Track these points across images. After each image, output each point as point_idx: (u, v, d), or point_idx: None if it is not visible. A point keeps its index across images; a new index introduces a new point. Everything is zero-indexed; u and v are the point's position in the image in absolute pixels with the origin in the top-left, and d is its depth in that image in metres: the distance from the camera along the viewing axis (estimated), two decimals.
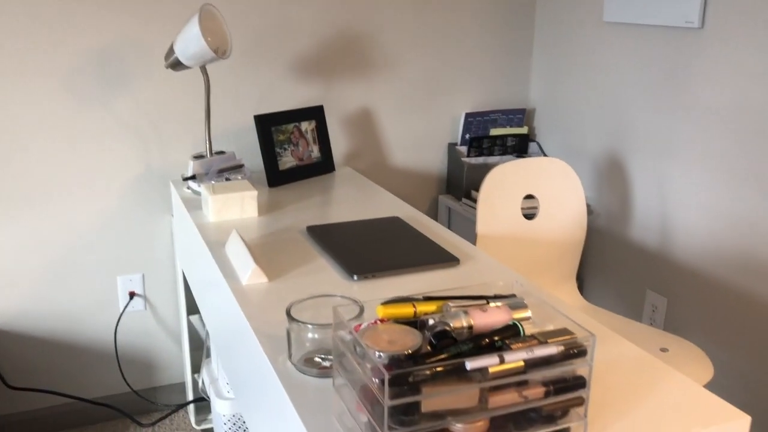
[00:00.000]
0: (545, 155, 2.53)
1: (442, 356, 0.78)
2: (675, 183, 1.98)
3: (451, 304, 0.90)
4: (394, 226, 1.62)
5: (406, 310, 0.88)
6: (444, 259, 1.42)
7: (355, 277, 1.34)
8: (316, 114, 2.11)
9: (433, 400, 0.76)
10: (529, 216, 1.85)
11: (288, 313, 1.00)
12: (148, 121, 2.09)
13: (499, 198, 1.75)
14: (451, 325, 0.85)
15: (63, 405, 2.20)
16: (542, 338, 0.82)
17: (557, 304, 1.24)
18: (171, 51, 1.83)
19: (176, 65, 1.84)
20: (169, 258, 2.21)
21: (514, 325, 0.83)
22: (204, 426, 2.23)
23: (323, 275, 1.37)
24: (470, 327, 0.86)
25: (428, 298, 0.91)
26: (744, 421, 0.92)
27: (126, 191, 2.12)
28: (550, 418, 0.82)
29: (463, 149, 2.46)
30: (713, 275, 1.88)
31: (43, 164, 2.01)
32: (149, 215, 2.16)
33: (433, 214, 2.54)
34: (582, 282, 2.43)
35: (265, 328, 1.16)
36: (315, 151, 2.11)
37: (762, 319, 1.75)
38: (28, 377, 2.14)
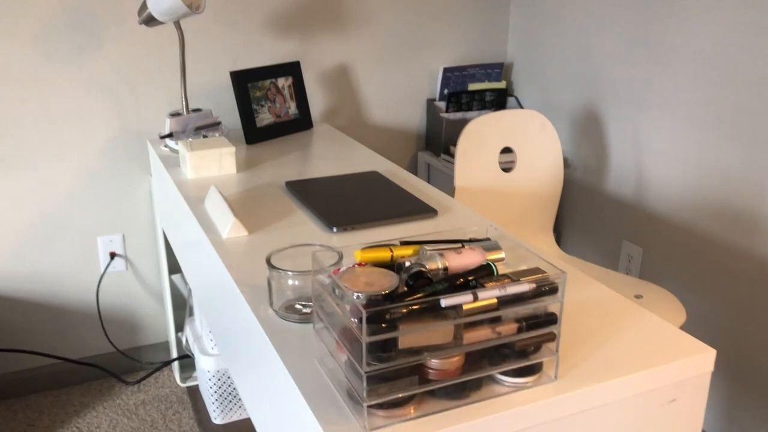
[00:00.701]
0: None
1: (418, 295, 0.81)
2: (650, 134, 2.00)
3: (427, 247, 0.92)
4: (372, 180, 1.63)
5: (384, 253, 0.90)
6: (422, 210, 1.44)
7: (335, 229, 1.35)
8: (292, 70, 2.10)
9: (409, 336, 0.78)
10: (506, 169, 1.87)
11: (268, 262, 1.02)
12: (122, 80, 2.07)
13: (477, 151, 1.77)
14: (427, 266, 0.87)
15: (48, 365, 2.21)
16: (515, 277, 0.85)
17: (531, 247, 1.27)
18: (144, 6, 1.81)
19: (150, 21, 1.82)
20: (149, 218, 2.22)
21: (488, 265, 0.86)
22: (189, 383, 2.26)
23: (303, 228, 1.38)
24: (445, 268, 0.88)
25: (405, 243, 0.93)
26: (709, 354, 0.95)
27: (103, 151, 2.10)
28: (523, 354, 0.85)
29: (442, 105, 2.47)
30: (687, 224, 1.92)
31: (16, 126, 1.99)
32: (127, 175, 2.15)
33: (413, 170, 2.55)
34: (559, 234, 2.47)
35: (247, 279, 1.18)
36: (292, 108, 2.11)
37: (733, 265, 1.80)
38: (12, 338, 2.15)
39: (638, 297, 1.73)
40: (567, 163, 2.37)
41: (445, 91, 2.49)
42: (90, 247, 2.17)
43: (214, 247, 1.30)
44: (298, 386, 0.88)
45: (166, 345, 2.35)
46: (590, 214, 2.30)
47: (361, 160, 1.84)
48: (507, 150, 1.86)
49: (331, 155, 1.88)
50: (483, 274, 0.85)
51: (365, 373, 0.77)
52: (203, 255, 1.42)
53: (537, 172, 1.89)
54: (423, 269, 0.85)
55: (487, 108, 2.53)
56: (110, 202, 2.15)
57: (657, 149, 1.98)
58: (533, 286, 0.83)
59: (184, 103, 1.94)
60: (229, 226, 1.33)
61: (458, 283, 0.84)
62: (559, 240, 2.47)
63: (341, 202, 1.48)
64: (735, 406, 1.84)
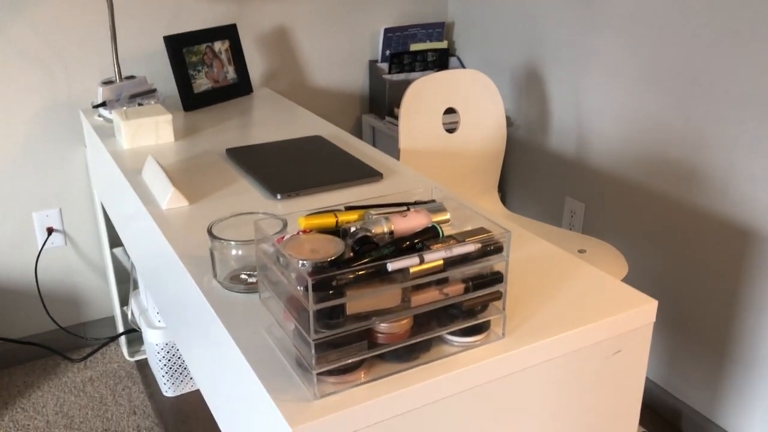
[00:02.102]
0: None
1: (365, 260, 0.80)
2: (590, 92, 2.02)
3: (372, 212, 0.91)
4: (316, 144, 1.61)
5: (328, 219, 0.88)
6: (367, 174, 1.42)
7: (279, 196, 1.33)
8: (229, 33, 2.04)
9: (357, 302, 0.78)
10: (450, 130, 1.86)
11: (209, 232, 1.00)
12: (49, 47, 1.97)
13: (420, 112, 1.76)
14: (373, 231, 0.86)
15: None
16: (460, 238, 0.85)
17: (475, 207, 1.27)
18: None
19: None
20: (86, 191, 2.14)
21: (433, 227, 0.85)
22: (138, 357, 2.22)
23: (245, 196, 1.35)
24: (391, 232, 0.87)
25: (350, 208, 0.92)
26: (651, 305, 0.98)
27: (33, 123, 2.01)
28: (471, 313, 0.86)
29: (384, 66, 2.44)
30: (628, 179, 1.96)
31: None
32: (61, 147, 2.07)
33: (357, 134, 2.53)
34: (504, 194, 2.49)
35: (189, 250, 1.15)
36: (231, 72, 2.05)
37: (672, 217, 1.85)
38: None
39: (582, 252, 1.76)
40: (509, 122, 2.38)
41: (387, 52, 2.45)
42: (25, 222, 2.09)
43: (153, 219, 1.26)
44: (246, 357, 0.87)
45: (111, 320, 2.30)
46: (533, 172, 2.32)
47: (304, 124, 1.81)
48: (450, 111, 1.85)
49: (273, 120, 1.84)
50: (429, 237, 0.85)
51: (313, 341, 0.76)
52: (143, 227, 1.38)
53: (480, 132, 1.89)
54: (369, 234, 0.84)
55: (430, 68, 2.51)
56: (44, 175, 2.07)
57: (596, 107, 2.01)
58: (478, 246, 0.83)
59: (116, 70, 1.86)
60: (168, 196, 1.29)
61: (404, 246, 0.83)
62: (503, 199, 2.50)
63: (284, 168, 1.45)
64: (676, 354, 1.92)
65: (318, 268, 0.80)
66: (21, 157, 2.02)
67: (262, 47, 2.26)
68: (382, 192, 1.37)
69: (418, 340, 0.83)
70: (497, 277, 0.85)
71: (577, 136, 2.11)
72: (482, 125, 1.89)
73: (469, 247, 0.82)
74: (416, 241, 0.84)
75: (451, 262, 0.82)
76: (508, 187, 2.47)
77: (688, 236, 1.82)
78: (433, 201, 0.96)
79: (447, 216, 0.91)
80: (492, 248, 0.84)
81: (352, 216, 0.90)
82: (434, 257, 0.80)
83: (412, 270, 0.79)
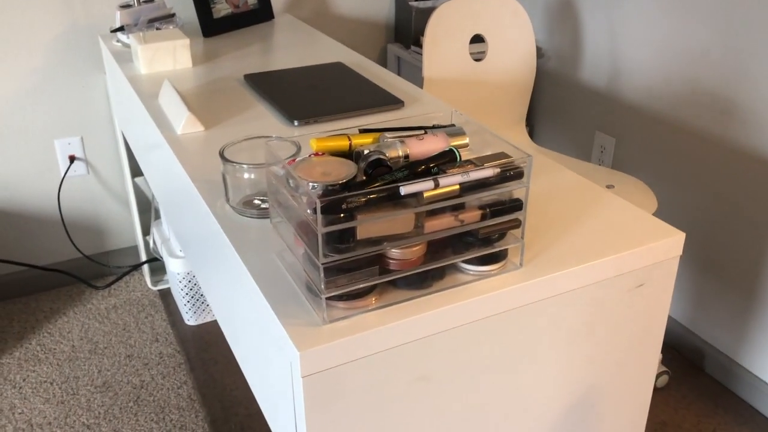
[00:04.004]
0: None
1: (377, 184, 0.76)
2: (624, 21, 1.93)
3: (387, 135, 0.87)
4: (336, 71, 1.56)
5: (341, 142, 0.85)
6: (387, 101, 1.38)
7: (296, 122, 1.29)
8: None
9: (368, 226, 0.75)
10: (478, 59, 1.79)
11: (221, 155, 0.97)
12: None
13: (446, 39, 1.69)
14: (387, 154, 0.82)
15: (15, 273, 2.18)
16: (479, 162, 0.81)
17: (496, 132, 1.23)
18: None
19: None
20: (108, 119, 2.13)
21: (451, 150, 0.81)
22: (160, 286, 2.25)
23: (262, 122, 1.32)
24: (407, 156, 0.83)
25: (365, 131, 0.88)
26: (678, 237, 0.94)
27: (53, 49, 1.98)
28: (487, 241, 0.83)
29: None
30: (660, 113, 1.88)
31: None
32: (81, 74, 2.04)
33: (382, 63, 2.46)
34: (532, 127, 2.42)
35: (203, 174, 1.12)
36: None
37: (705, 152, 1.78)
38: None
39: (610, 186, 1.71)
40: (541, 53, 2.29)
41: None
42: (48, 150, 2.09)
43: (168, 144, 1.24)
44: (257, 282, 0.85)
45: (135, 249, 2.31)
46: (563, 106, 2.25)
47: (325, 51, 1.75)
48: (478, 38, 1.78)
49: (294, 47, 1.79)
50: (445, 161, 0.81)
51: (322, 264, 0.73)
52: (160, 154, 1.36)
53: (509, 61, 1.82)
54: (382, 157, 0.81)
55: None
56: (65, 102, 2.05)
57: (630, 36, 1.91)
58: (497, 171, 0.79)
59: None
60: (183, 120, 1.26)
61: (420, 170, 0.80)
62: (532, 133, 2.43)
63: (303, 95, 1.41)
64: (702, 294, 1.87)
65: (328, 191, 0.77)
66: (41, 84, 2.00)
67: None
68: (402, 119, 1.33)
69: (432, 267, 0.80)
70: (516, 204, 0.81)
71: (609, 68, 2.02)
72: (511, 54, 1.82)
73: (488, 172, 0.78)
74: (432, 165, 0.80)
75: (467, 188, 0.78)
76: (537, 121, 2.40)
77: (720, 174, 1.75)
78: (452, 125, 0.92)
79: (466, 140, 0.87)
80: (512, 173, 0.80)
81: (367, 139, 0.86)
82: (450, 182, 0.76)
83: (425, 194, 0.76)
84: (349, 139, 0.85)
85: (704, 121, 1.75)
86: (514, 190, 0.82)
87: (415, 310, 0.79)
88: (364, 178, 0.80)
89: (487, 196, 0.81)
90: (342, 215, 0.73)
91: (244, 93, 1.48)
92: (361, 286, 0.77)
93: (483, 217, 0.80)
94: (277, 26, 2.00)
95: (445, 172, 0.78)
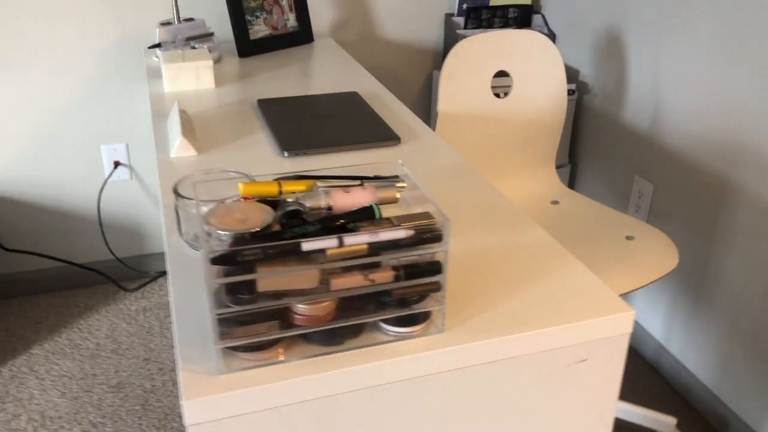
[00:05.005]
0: (550, 29, 2.37)
1: (280, 236, 0.75)
2: (671, 63, 1.83)
3: (320, 183, 0.86)
4: (347, 101, 1.56)
5: (270, 188, 0.84)
6: (384, 137, 1.36)
7: (286, 153, 1.30)
8: None
9: (269, 280, 0.74)
10: (500, 95, 1.75)
11: (174, 189, 0.98)
12: None
13: (466, 73, 1.66)
14: (309, 205, 0.81)
15: (56, 268, 2.29)
16: (397, 221, 0.78)
17: (426, 190, 1.19)
18: None
19: None
20: (151, 128, 2.21)
21: (370, 207, 0.79)
22: None
23: (255, 150, 1.33)
24: (329, 208, 0.82)
25: (300, 177, 0.88)
26: (627, 315, 0.87)
27: (104, 60, 2.08)
28: (404, 303, 0.80)
29: (460, 20, 2.32)
30: (700, 163, 1.77)
31: (20, 34, 1.98)
32: (129, 84, 2.13)
33: (426, 91, 2.44)
34: (575, 166, 2.34)
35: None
36: (291, 20, 2.02)
37: (745, 210, 1.66)
38: (22, 240, 2.23)
39: (629, 238, 1.62)
40: (587, 89, 2.21)
41: (465, 6, 2.33)
42: (95, 155, 2.19)
43: (159, 165, 1.27)
44: (176, 319, 0.85)
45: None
46: (605, 146, 2.16)
47: (350, 79, 1.75)
48: (502, 74, 1.74)
49: (322, 73, 1.80)
50: (362, 217, 0.79)
51: (215, 315, 0.73)
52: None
53: (536, 99, 1.76)
54: (300, 208, 0.80)
55: (510, 26, 2.37)
56: (113, 110, 2.15)
57: (676, 79, 1.81)
58: (411, 232, 0.76)
59: (175, 11, 1.88)
60: (176, 144, 1.29)
61: (335, 225, 0.78)
62: (574, 171, 2.35)
63: (304, 125, 1.41)
64: (730, 357, 1.74)
65: (238, 240, 0.76)
66: (93, 92, 2.11)
67: None
68: (394, 157, 1.31)
69: (339, 325, 0.78)
70: (434, 268, 0.78)
71: (652, 111, 1.92)
72: (539, 93, 1.76)
73: (399, 233, 0.76)
74: (347, 221, 0.78)
75: (378, 247, 0.76)
76: (580, 159, 2.31)
77: (760, 235, 1.63)
78: (396, 177, 0.89)
79: (397, 195, 0.84)
80: (429, 236, 0.77)
81: (300, 186, 0.86)
82: (356, 240, 0.74)
83: (329, 252, 0.74)
84: (280, 186, 0.84)
85: (748, 178, 1.64)
86: (436, 252, 0.79)
87: (323, 367, 0.78)
88: (278, 228, 0.79)
89: (404, 256, 0.78)
90: (237, 267, 0.72)
91: (252, 118, 1.50)
92: (260, 339, 0.76)
93: (396, 279, 0.78)
94: (314, 50, 2.02)
95: (357, 230, 0.76)
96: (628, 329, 0.88)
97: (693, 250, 1.84)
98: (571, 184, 2.37)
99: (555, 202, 1.80)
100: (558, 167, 2.26)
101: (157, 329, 2.15)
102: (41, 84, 2.06)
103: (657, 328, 2.00)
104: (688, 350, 1.89)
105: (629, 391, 1.94)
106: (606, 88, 2.12)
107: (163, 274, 2.39)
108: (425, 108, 2.46)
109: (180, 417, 1.82)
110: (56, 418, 1.82)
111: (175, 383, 1.93)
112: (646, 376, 2.00)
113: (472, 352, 0.82)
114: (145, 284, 2.35)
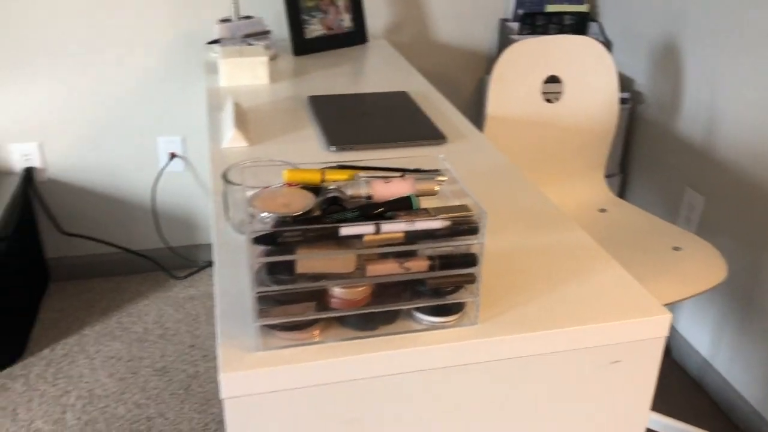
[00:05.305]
0: (606, 37, 2.35)
1: (320, 221, 0.78)
2: (727, 74, 1.79)
3: (362, 174, 0.88)
4: (396, 100, 1.58)
5: (313, 176, 0.87)
6: (430, 136, 1.38)
7: (333, 148, 1.33)
8: None
9: (307, 262, 0.76)
10: (550, 100, 1.75)
11: (223, 176, 1.02)
12: None
13: (517, 77, 1.66)
14: (349, 193, 0.84)
15: (109, 254, 2.38)
16: (434, 213, 0.80)
17: (466, 185, 1.19)
18: None
19: None
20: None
21: (408, 197, 0.81)
22: None
23: (303, 144, 1.37)
24: (369, 197, 0.84)
25: (343, 167, 0.90)
26: (664, 318, 0.87)
27: (165, 53, 2.16)
28: (438, 293, 0.81)
29: (515, 26, 2.33)
30: (755, 176, 1.73)
31: (86, 24, 2.07)
32: (187, 79, 2.20)
33: (477, 95, 2.45)
34: (626, 176, 2.31)
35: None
36: (346, 20, 2.05)
37: None
38: (80, 225, 2.32)
39: (676, 249, 1.60)
40: (641, 99, 2.19)
41: (520, 11, 2.33)
42: (152, 145, 2.27)
43: (211, 156, 1.32)
44: (220, 297, 0.89)
45: None
46: (657, 156, 2.13)
47: (401, 80, 1.78)
48: (553, 79, 1.73)
49: (374, 73, 1.83)
50: (400, 206, 0.81)
51: (255, 293, 0.76)
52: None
53: (587, 106, 1.76)
54: (339, 195, 0.82)
55: (565, 33, 2.35)
56: (172, 103, 2.22)
57: (732, 91, 1.78)
58: (447, 223, 0.78)
59: (234, 9, 1.93)
60: (229, 136, 1.34)
61: (374, 212, 0.80)
62: (625, 181, 2.32)
63: (352, 122, 1.44)
64: None
65: (280, 222, 0.79)
66: (153, 84, 2.19)
67: None
68: (440, 154, 1.32)
69: (374, 310, 0.80)
70: (469, 260, 0.80)
71: (707, 122, 1.89)
72: (590, 99, 1.75)
73: (435, 224, 0.77)
74: (384, 209, 0.80)
75: (415, 236, 0.78)
76: (631, 169, 2.28)
77: None
78: (436, 171, 0.91)
79: (435, 188, 0.86)
80: (465, 228, 0.78)
81: (342, 175, 0.88)
82: (394, 228, 0.76)
83: (366, 238, 0.76)
84: (322, 174, 0.87)
85: None
86: (472, 244, 0.80)
87: (356, 350, 0.80)
88: (318, 213, 0.81)
89: (440, 247, 0.80)
90: (277, 249, 0.75)
91: (303, 114, 1.53)
92: (297, 319, 0.79)
93: (431, 268, 0.79)
94: (368, 50, 2.05)
95: (394, 218, 0.78)
96: (664, 333, 0.88)
97: (744, 265, 1.79)
98: (621, 193, 2.34)
99: (602, 210, 1.78)
100: (608, 176, 2.24)
101: (203, 317, 2.21)
102: (105, 75, 2.14)
103: (703, 343, 1.96)
104: (734, 367, 1.85)
105: (671, 406, 1.90)
106: (661, 98, 2.09)
107: (211, 264, 2.46)
108: (475, 113, 2.47)
109: (220, 403, 1.87)
110: (103, 396, 1.89)
111: (218, 370, 1.99)
112: (689, 391, 1.96)
113: (504, 345, 0.83)
114: (193, 273, 2.42)
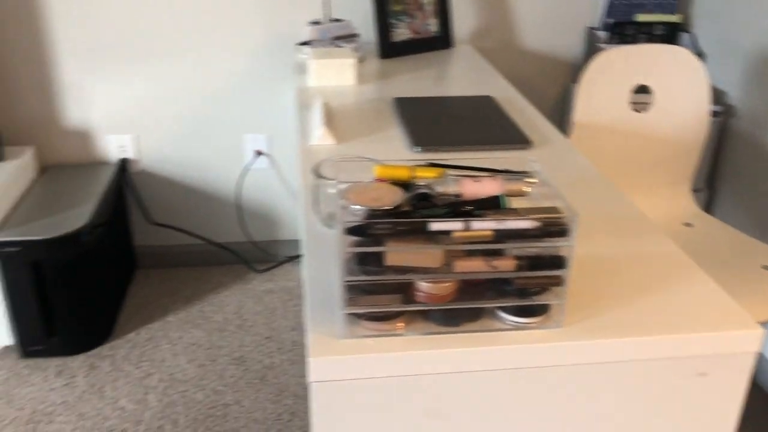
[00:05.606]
0: (698, 48, 2.29)
1: (409, 215, 0.80)
2: None
3: (451, 172, 0.90)
4: (481, 104, 1.59)
5: (403, 172, 0.89)
6: (515, 140, 1.38)
7: (418, 149, 1.35)
8: None
9: (396, 254, 0.79)
10: (638, 110, 1.72)
11: (314, 170, 1.05)
12: None
13: (605, 85, 1.64)
14: (438, 190, 0.85)
15: (194, 245, 2.47)
16: (524, 213, 0.80)
17: (557, 187, 1.18)
18: None
19: None
20: (292, 121, 2.34)
21: (497, 197, 0.82)
22: None
23: (388, 144, 1.39)
24: (458, 195, 0.86)
25: (432, 165, 0.92)
26: (755, 333, 0.85)
27: (254, 54, 2.23)
28: (524, 293, 0.82)
29: (603, 35, 2.29)
30: None
31: (181, 26, 2.17)
32: (275, 79, 2.27)
33: (560, 102, 2.42)
34: (714, 191, 2.24)
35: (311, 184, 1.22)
36: (433, 25, 2.07)
37: None
38: (168, 216, 2.43)
39: (766, 268, 1.54)
40: (733, 112, 2.12)
41: (609, 20, 2.30)
42: (239, 143, 2.35)
43: (300, 152, 1.36)
44: (309, 286, 0.92)
45: (296, 243, 2.51)
46: (748, 172, 2.05)
47: (485, 84, 1.78)
48: (642, 89, 1.70)
49: (460, 77, 1.85)
50: (489, 205, 0.82)
51: (343, 282, 0.78)
52: (297, 158, 1.49)
53: (676, 117, 1.72)
54: (429, 191, 0.84)
55: (655, 43, 2.30)
56: (259, 103, 2.30)
57: None
58: (537, 224, 0.78)
59: (324, 12, 1.98)
60: (318, 133, 1.37)
61: (462, 210, 0.82)
62: (713, 196, 2.25)
63: (437, 124, 1.46)
64: None
65: (371, 215, 0.82)
66: (242, 84, 2.27)
67: (474, 2, 2.25)
68: (517, 159, 1.32)
69: (459, 306, 0.82)
70: (557, 262, 0.80)
71: None
72: (679, 110, 1.71)
73: (525, 223, 0.78)
74: (472, 207, 0.81)
75: (504, 235, 0.79)
76: (719, 184, 2.21)
77: None
78: (526, 173, 0.92)
79: (524, 189, 0.86)
80: (555, 230, 0.79)
81: (431, 173, 0.90)
82: (482, 226, 0.78)
83: (455, 234, 0.78)
84: (412, 171, 0.89)
85: None
86: (561, 246, 0.80)
87: (436, 344, 0.81)
88: (408, 208, 0.83)
89: (528, 247, 0.80)
90: (369, 240, 0.77)
91: (388, 114, 1.56)
92: (383, 309, 0.81)
93: (519, 268, 0.80)
94: (453, 55, 2.07)
95: (483, 217, 0.79)
96: (755, 348, 0.86)
97: None
98: (708, 209, 2.27)
99: (688, 224, 1.74)
100: (694, 191, 2.18)
101: (280, 311, 2.27)
102: (198, 74, 2.23)
103: None
104: None
105: (753, 429, 1.83)
106: (754, 112, 2.02)
107: (291, 259, 2.52)
108: (558, 121, 2.44)
109: (293, 396, 1.91)
110: (183, 381, 1.96)
111: (292, 363, 2.04)
112: None
113: (587, 350, 0.83)
114: (272, 267, 2.48)
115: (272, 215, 2.47)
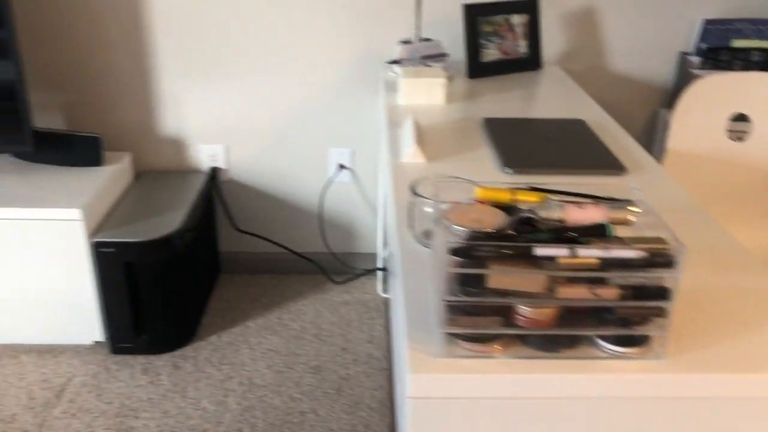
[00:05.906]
0: None
1: (513, 239, 0.80)
2: None
3: (552, 197, 0.90)
4: (573, 128, 1.58)
5: (504, 195, 0.90)
6: (608, 165, 1.37)
7: (509, 170, 1.35)
8: (529, 8, 2.06)
9: (498, 277, 0.79)
10: (736, 139, 1.67)
11: (412, 189, 1.07)
12: (368, 3, 2.20)
13: (702, 113, 1.61)
14: (542, 215, 0.86)
15: (276, 253, 2.54)
16: (629, 242, 0.80)
17: (663, 216, 1.16)
18: None
19: None
20: (377, 137, 2.38)
21: (603, 225, 0.82)
22: (388, 294, 2.44)
23: (478, 164, 1.40)
24: (561, 221, 0.86)
25: (534, 189, 0.92)
26: None
27: (343, 70, 2.28)
28: (625, 322, 0.81)
29: (696, 60, 2.24)
30: None
31: (274, 42, 2.24)
32: (361, 95, 2.32)
33: (649, 128, 2.38)
34: None
35: (405, 201, 1.24)
36: (523, 47, 2.08)
37: None
38: (252, 224, 2.50)
39: None
40: None
41: (703, 46, 2.25)
42: (323, 156, 2.40)
43: (390, 169, 1.38)
44: (405, 304, 0.94)
45: (374, 256, 2.54)
46: None
47: (577, 108, 1.77)
48: (741, 117, 1.66)
49: (549, 100, 1.84)
50: (594, 233, 0.82)
51: (444, 301, 0.80)
52: (387, 175, 1.51)
53: None
54: (532, 216, 0.84)
55: (752, 70, 2.24)
56: (345, 117, 2.35)
57: None
58: (644, 254, 0.78)
59: (415, 32, 2.01)
60: (409, 151, 1.40)
61: (566, 236, 0.82)
62: None
63: (529, 145, 1.46)
64: None
65: (473, 237, 0.83)
66: (329, 99, 2.32)
67: (564, 25, 2.24)
68: (619, 185, 1.31)
69: (559, 332, 0.82)
70: (661, 293, 0.79)
71: None
72: None
73: (630, 253, 0.78)
74: (578, 234, 0.81)
75: (608, 264, 0.78)
76: None
77: None
78: (628, 200, 0.91)
79: (629, 217, 0.86)
80: (661, 260, 0.78)
81: (532, 197, 0.90)
82: (588, 254, 0.78)
83: (560, 261, 0.78)
84: (513, 194, 0.90)
85: None
86: (665, 278, 0.79)
87: (533, 369, 0.81)
88: (512, 232, 0.84)
89: (633, 277, 0.80)
90: (473, 261, 0.78)
91: (478, 135, 1.57)
92: (483, 331, 0.82)
93: (622, 297, 0.80)
94: (542, 77, 2.06)
95: (588, 244, 0.79)
96: None
97: None
98: None
99: None
100: None
101: (356, 323, 2.30)
102: (287, 89, 2.30)
103: None
104: None
105: None
106: None
107: (368, 272, 2.55)
108: (646, 147, 2.40)
109: (368, 408, 1.93)
110: (262, 386, 2.01)
111: (367, 375, 2.06)
112: None
113: (689, 383, 0.81)
114: (350, 279, 2.52)
115: (352, 228, 2.51)
